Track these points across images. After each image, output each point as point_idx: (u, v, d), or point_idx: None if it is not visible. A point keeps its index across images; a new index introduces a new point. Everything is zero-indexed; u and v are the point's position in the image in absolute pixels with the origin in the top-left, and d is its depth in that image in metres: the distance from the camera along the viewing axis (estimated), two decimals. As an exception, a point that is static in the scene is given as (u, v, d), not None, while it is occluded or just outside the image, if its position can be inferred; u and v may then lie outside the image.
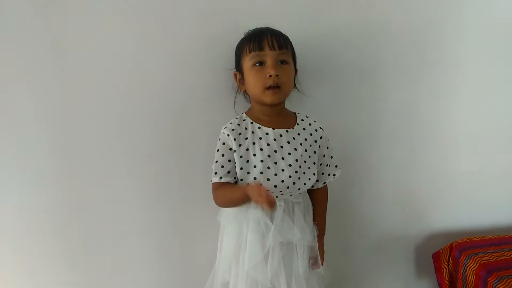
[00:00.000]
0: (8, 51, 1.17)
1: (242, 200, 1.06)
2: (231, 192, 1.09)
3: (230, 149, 1.11)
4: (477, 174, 1.56)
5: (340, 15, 1.32)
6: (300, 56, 1.20)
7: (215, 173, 1.12)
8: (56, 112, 1.23)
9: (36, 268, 1.33)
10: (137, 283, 1.40)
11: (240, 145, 1.11)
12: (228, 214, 1.17)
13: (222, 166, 1.11)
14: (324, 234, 1.30)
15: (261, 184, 1.02)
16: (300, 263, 1.15)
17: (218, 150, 1.13)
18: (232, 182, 1.12)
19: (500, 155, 1.56)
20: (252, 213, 1.11)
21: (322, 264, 1.25)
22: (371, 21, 1.34)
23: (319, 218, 1.27)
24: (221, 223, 1.22)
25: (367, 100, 1.41)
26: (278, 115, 1.17)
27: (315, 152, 1.17)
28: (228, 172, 1.11)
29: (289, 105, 1.24)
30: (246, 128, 1.13)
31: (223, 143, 1.12)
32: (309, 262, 1.20)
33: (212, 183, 1.13)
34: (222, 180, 1.10)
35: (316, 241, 1.22)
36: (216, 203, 1.15)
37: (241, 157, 1.10)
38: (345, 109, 1.40)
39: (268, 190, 0.95)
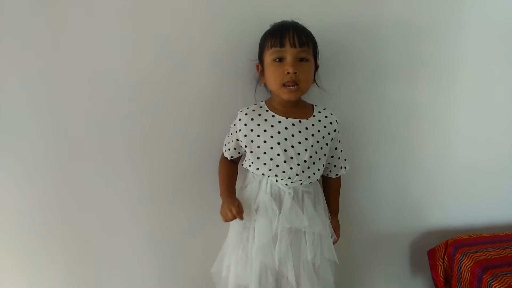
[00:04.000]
0: (5, 44, 1.15)
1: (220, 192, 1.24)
2: (220, 177, 1.26)
3: (236, 132, 1.18)
4: (473, 172, 1.56)
5: (343, 10, 1.31)
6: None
7: (225, 144, 1.25)
8: (51, 110, 1.22)
9: (32, 267, 1.33)
10: (133, 282, 1.41)
11: (251, 130, 1.14)
12: (239, 197, 1.20)
13: (228, 143, 1.23)
14: (338, 212, 1.37)
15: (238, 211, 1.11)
16: (309, 251, 1.16)
17: (231, 127, 1.22)
18: (235, 157, 1.25)
19: (497, 154, 1.56)
20: (261, 197, 1.15)
21: (338, 238, 1.34)
22: (373, 17, 1.33)
23: (333, 199, 1.35)
24: None
25: (366, 97, 1.41)
26: (294, 106, 1.18)
27: (327, 144, 1.19)
28: (229, 149, 1.23)
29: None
30: (260, 115, 1.15)
31: (234, 124, 1.20)
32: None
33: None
34: (225, 154, 1.25)
35: (328, 231, 1.24)
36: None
37: (252, 141, 1.14)
38: (344, 105, 1.39)
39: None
